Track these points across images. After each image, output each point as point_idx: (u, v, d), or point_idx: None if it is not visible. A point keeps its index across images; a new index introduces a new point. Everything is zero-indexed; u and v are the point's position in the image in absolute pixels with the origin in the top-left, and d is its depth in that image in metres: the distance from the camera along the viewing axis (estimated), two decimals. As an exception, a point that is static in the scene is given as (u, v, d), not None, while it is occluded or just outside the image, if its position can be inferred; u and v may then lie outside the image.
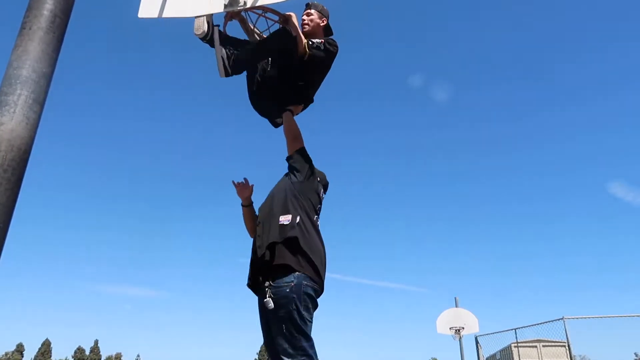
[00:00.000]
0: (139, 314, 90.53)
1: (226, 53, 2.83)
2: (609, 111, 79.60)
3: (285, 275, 2.31)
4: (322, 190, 2.81)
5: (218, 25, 2.95)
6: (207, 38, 2.92)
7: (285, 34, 2.83)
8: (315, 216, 2.64)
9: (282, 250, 2.36)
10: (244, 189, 2.88)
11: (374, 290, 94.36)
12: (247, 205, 2.86)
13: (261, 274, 2.42)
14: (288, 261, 2.33)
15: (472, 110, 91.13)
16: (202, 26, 2.87)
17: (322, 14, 3.05)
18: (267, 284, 2.34)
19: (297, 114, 2.99)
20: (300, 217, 2.48)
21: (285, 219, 2.45)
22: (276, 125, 3.10)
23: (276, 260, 2.34)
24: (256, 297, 2.50)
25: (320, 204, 2.77)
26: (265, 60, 3.01)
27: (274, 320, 2.29)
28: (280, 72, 2.94)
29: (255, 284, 2.49)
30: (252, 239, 2.65)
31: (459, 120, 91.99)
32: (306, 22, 3.01)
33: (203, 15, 2.79)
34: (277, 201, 2.58)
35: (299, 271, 2.32)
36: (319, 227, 2.64)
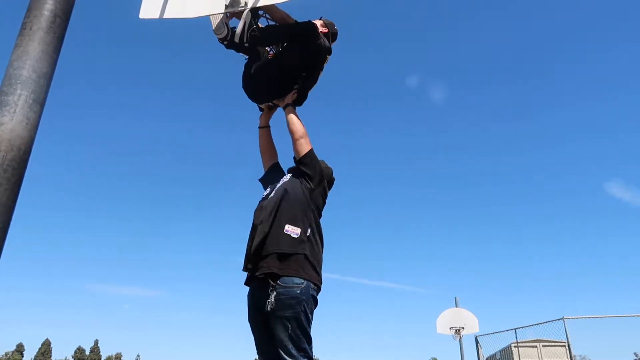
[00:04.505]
0: (139, 314, 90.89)
1: (250, 23, 2.73)
2: (607, 111, 79.89)
3: (295, 277, 2.32)
4: (327, 191, 2.78)
5: (234, 27, 2.87)
6: (227, 40, 2.83)
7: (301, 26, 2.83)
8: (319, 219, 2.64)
9: (290, 261, 2.35)
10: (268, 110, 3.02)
11: (374, 290, 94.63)
12: (264, 126, 3.02)
13: (269, 276, 2.36)
14: (298, 272, 2.33)
15: (470, 111, 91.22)
16: (223, 27, 2.81)
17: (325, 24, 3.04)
18: (272, 283, 2.30)
19: (292, 100, 2.87)
20: (311, 228, 2.48)
21: (293, 231, 2.41)
22: (261, 109, 3.09)
23: (283, 271, 2.32)
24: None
25: (324, 204, 2.75)
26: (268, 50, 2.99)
27: (279, 320, 2.27)
28: (284, 59, 2.90)
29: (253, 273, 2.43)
30: (251, 228, 2.54)
31: (457, 121, 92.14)
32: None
33: (218, 14, 2.71)
34: (285, 205, 2.49)
35: (307, 279, 2.35)
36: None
